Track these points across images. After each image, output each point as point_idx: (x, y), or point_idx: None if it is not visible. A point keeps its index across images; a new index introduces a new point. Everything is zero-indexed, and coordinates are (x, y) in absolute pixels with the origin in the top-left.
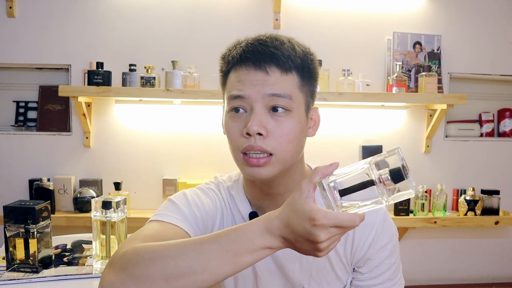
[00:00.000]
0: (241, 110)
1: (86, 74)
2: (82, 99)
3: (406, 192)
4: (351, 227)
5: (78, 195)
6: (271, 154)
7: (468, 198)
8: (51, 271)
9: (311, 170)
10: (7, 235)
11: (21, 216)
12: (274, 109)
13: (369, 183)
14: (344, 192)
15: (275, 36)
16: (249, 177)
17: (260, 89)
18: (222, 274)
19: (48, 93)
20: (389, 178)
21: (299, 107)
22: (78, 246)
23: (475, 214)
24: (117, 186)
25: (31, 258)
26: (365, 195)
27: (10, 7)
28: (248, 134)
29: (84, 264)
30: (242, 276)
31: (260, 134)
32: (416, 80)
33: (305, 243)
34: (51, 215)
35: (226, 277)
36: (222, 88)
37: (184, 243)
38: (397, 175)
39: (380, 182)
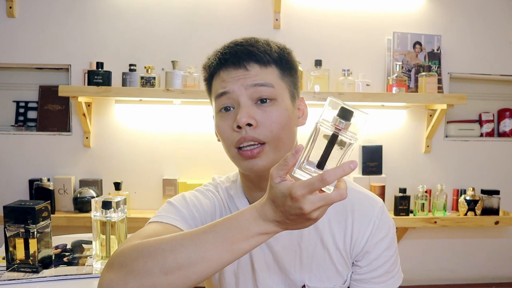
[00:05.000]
0: (229, 109)
1: (86, 74)
2: (82, 99)
3: (361, 118)
4: (323, 186)
5: (78, 195)
6: (263, 143)
7: (468, 198)
8: (51, 271)
9: None
10: (7, 235)
11: (21, 216)
12: (261, 100)
13: (333, 138)
14: (321, 164)
15: (250, 37)
16: (246, 171)
17: (242, 82)
18: (221, 263)
19: (48, 93)
20: (341, 120)
21: (283, 95)
22: (78, 246)
23: (475, 214)
24: (117, 186)
25: (31, 258)
26: (338, 151)
27: (10, 7)
28: (238, 127)
29: (84, 264)
30: (243, 274)
31: (249, 124)
32: (416, 80)
33: (297, 219)
34: (51, 215)
35: (224, 265)
36: (209, 96)
37: (181, 236)
38: (345, 112)
39: (339, 129)
